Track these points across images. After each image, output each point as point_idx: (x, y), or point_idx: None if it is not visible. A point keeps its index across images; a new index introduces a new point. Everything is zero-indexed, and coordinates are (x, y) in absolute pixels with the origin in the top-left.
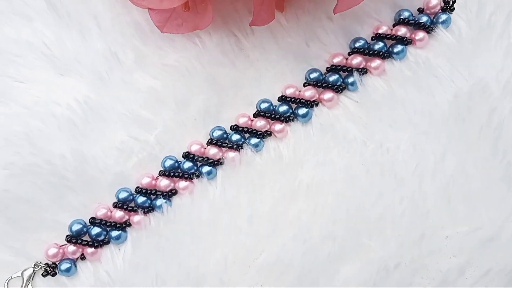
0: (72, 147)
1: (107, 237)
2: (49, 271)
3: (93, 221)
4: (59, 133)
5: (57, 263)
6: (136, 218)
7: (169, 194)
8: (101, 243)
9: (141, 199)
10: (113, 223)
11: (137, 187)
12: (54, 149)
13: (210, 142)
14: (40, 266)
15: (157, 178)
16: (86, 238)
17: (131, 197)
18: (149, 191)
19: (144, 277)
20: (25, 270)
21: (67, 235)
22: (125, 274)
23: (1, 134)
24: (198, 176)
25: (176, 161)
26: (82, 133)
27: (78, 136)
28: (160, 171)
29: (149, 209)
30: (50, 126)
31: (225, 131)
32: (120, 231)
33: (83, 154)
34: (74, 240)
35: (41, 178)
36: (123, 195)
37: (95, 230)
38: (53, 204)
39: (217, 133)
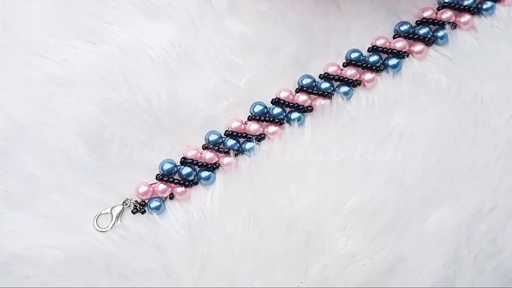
0: (167, 88)
1: (196, 177)
2: (139, 209)
3: (184, 161)
4: (154, 74)
5: (146, 201)
6: (226, 159)
7: (259, 138)
8: (191, 183)
9: (230, 142)
10: (204, 163)
11: (227, 130)
12: (150, 88)
13: (300, 90)
14: (129, 204)
15: (246, 123)
16: (176, 178)
17: (221, 140)
18: (239, 134)
19: (236, 215)
20: (114, 207)
21: (158, 174)
22: (216, 212)
23: (96, 72)
24: (287, 122)
25: (265, 107)
26: (176, 75)
27: (172, 78)
28: (249, 116)
29: (238, 151)
30: (145, 66)
31: (314, 79)
32: (210, 172)
33: (177, 95)
34: (166, 179)
35: (136, 116)
36: (213, 137)
37: (186, 169)
38: (145, 143)
39: (306, 81)
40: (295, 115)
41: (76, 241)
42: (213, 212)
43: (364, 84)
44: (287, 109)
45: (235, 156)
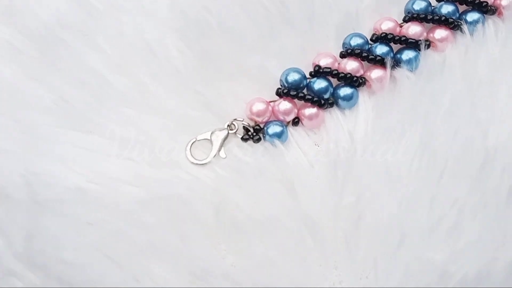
0: None
1: (333, 95)
2: (251, 135)
3: (316, 72)
4: None
5: (262, 125)
6: (376, 72)
7: (423, 44)
8: (326, 103)
9: (381, 49)
10: (344, 75)
11: (375, 33)
12: None
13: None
14: (237, 128)
15: (401, 25)
16: (305, 94)
17: (368, 46)
18: (395, 37)
19: (397, 149)
20: (215, 131)
21: (279, 88)
22: (366, 144)
23: None
24: (459, 27)
25: (429, 4)
26: None
27: None
28: (406, 15)
29: (394, 62)
30: None
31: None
32: (352, 89)
33: None
34: (292, 94)
35: (252, 4)
36: (356, 41)
37: (319, 83)
38: (261, 43)
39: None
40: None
41: (162, 176)
42: (363, 143)
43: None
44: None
45: (391, 68)
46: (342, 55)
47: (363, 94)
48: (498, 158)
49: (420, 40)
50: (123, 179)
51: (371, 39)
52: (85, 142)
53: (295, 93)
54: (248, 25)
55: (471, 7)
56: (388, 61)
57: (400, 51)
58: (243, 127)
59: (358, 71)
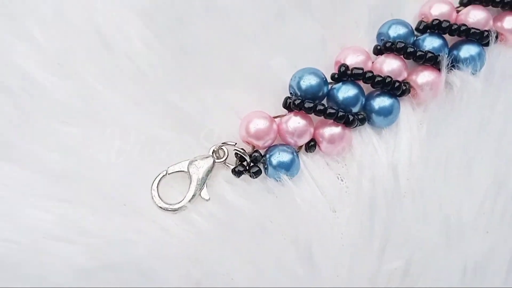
0: None
1: (365, 107)
2: (247, 166)
3: (343, 73)
4: None
5: (262, 152)
6: (425, 76)
7: (492, 36)
8: (354, 118)
9: (431, 42)
10: (382, 79)
11: (421, 21)
12: None
13: None
14: (226, 155)
15: (459, 10)
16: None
17: (412, 38)
18: (452, 26)
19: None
20: (195, 159)
21: (289, 97)
22: (419, 177)
23: None
24: None
25: None
26: None
27: None
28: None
29: (454, 63)
30: None
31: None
32: (392, 99)
33: None
34: (306, 107)
35: None
36: (398, 30)
37: (346, 90)
38: (264, 32)
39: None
40: None
41: (114, 230)
42: (409, 178)
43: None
44: None
45: (446, 69)
46: (378, 51)
47: (406, 106)
48: None
49: (485, 30)
50: (55, 235)
51: (417, 29)
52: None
53: (311, 105)
54: (246, 6)
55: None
56: (443, 60)
57: (457, 45)
58: (236, 154)
59: (400, 74)
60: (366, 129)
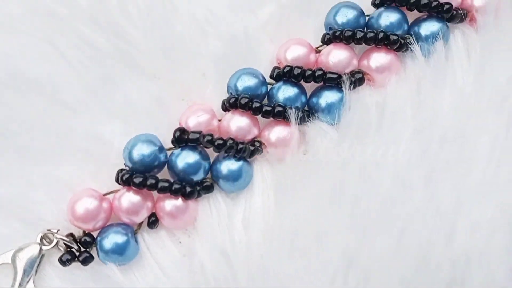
0: None
1: (209, 175)
2: (77, 253)
3: (181, 138)
4: None
5: (94, 235)
6: (277, 132)
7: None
8: (197, 189)
9: (286, 92)
10: (226, 141)
11: (275, 68)
12: None
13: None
14: (55, 242)
15: (318, 51)
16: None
17: (262, 88)
18: (306, 72)
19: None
20: (21, 249)
21: (122, 170)
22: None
23: None
24: (407, 47)
25: (361, 14)
26: None
27: None
28: (326, 34)
29: (305, 114)
30: None
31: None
32: (240, 161)
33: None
34: (139, 182)
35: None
36: (247, 81)
37: (186, 157)
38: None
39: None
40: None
41: None
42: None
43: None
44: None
45: (298, 123)
46: (225, 107)
47: (260, 169)
48: None
49: (344, 74)
50: None
51: (271, 76)
52: None
53: (141, 180)
54: (64, 74)
55: (426, 13)
56: (292, 113)
57: (316, 93)
58: (63, 241)
59: (249, 132)
60: (215, 195)
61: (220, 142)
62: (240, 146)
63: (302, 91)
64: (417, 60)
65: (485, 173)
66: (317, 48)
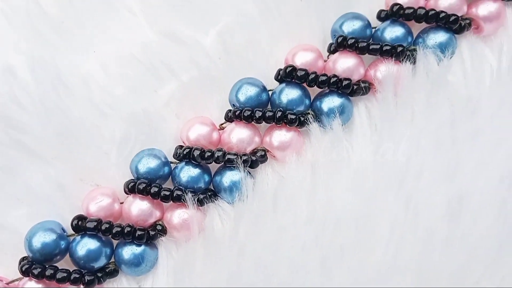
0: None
1: (114, 262)
2: None
3: (82, 226)
4: None
5: None
6: (178, 215)
7: (251, 160)
8: (101, 275)
9: (188, 173)
10: (129, 228)
11: (180, 146)
12: None
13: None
14: None
15: (221, 128)
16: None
17: (165, 168)
18: (205, 154)
19: None
20: None
21: (24, 258)
22: None
23: None
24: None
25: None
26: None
27: None
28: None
29: (205, 198)
30: None
31: (368, 23)
32: (141, 246)
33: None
34: (38, 271)
35: None
36: (148, 164)
37: (86, 244)
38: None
39: (352, 27)
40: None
41: None
42: None
43: (477, 27)
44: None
45: (198, 205)
46: (130, 189)
47: (164, 254)
48: None
49: (243, 154)
50: None
51: (174, 156)
52: None
53: (40, 270)
54: None
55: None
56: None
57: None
58: None
59: (149, 216)
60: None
61: (118, 229)
62: (139, 232)
63: (205, 170)
64: (315, 138)
65: (385, 255)
66: (221, 125)
